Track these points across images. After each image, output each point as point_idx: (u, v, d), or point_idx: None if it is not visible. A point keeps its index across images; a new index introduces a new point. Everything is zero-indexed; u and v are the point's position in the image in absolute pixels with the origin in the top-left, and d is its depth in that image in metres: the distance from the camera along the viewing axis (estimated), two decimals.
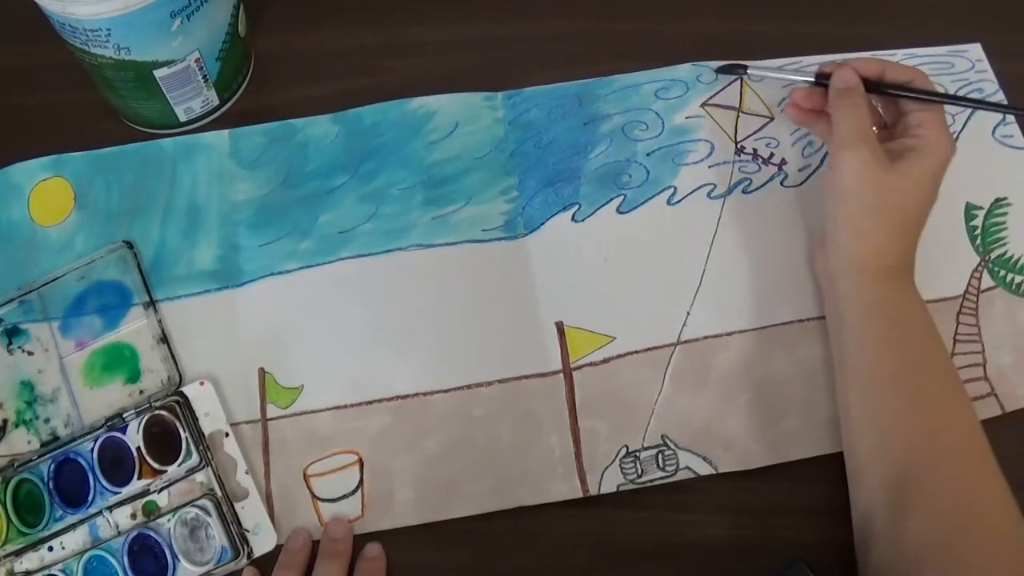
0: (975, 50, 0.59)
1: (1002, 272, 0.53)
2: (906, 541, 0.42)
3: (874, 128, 0.51)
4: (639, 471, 0.49)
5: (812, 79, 0.51)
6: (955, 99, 0.50)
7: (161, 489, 0.48)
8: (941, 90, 0.56)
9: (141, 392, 0.51)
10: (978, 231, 0.54)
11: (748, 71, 0.54)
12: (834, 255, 0.48)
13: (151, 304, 0.52)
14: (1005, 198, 0.55)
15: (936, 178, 0.47)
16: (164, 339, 0.51)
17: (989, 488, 0.43)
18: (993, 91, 0.58)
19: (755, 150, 0.56)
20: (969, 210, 0.55)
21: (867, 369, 0.46)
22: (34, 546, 0.48)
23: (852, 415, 0.46)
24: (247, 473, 0.49)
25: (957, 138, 0.56)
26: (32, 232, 0.54)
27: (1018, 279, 0.53)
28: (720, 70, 0.56)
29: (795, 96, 0.52)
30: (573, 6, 0.61)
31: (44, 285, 0.52)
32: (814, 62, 0.57)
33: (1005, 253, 0.54)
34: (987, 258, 0.54)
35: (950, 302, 0.52)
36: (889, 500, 0.43)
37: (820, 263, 0.50)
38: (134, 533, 0.47)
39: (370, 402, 0.50)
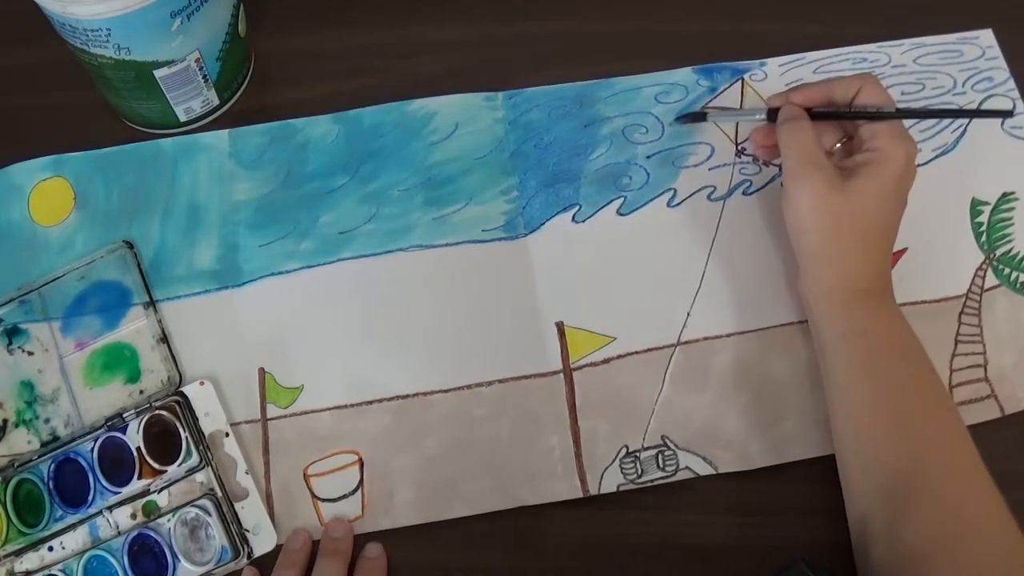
0: (986, 36, 0.58)
1: (1007, 270, 0.53)
2: (906, 542, 0.41)
3: (839, 144, 0.49)
4: (639, 471, 0.49)
5: (765, 117, 0.51)
6: (903, 113, 0.48)
7: (161, 489, 0.48)
8: (910, 94, 0.55)
9: (141, 392, 0.51)
10: (983, 228, 0.53)
11: (707, 117, 0.54)
12: (804, 283, 0.48)
13: (151, 304, 0.52)
14: (1012, 192, 0.54)
15: (895, 188, 0.46)
16: (164, 339, 0.51)
17: (981, 504, 0.42)
18: (1003, 79, 0.57)
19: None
20: (975, 206, 0.54)
21: (846, 396, 0.45)
22: (34, 546, 0.48)
23: (838, 439, 0.46)
24: (247, 473, 0.49)
25: (964, 131, 0.55)
26: (32, 232, 0.54)
27: (1023, 277, 0.53)
28: (680, 119, 0.55)
29: (754, 137, 0.53)
30: (573, 6, 0.61)
31: (44, 285, 0.52)
32: (816, 58, 0.58)
33: (1011, 250, 0.53)
34: (992, 256, 0.53)
35: (952, 302, 0.52)
36: (885, 504, 0.43)
37: (797, 289, 0.49)
38: (134, 533, 0.48)
39: (370, 402, 0.50)
